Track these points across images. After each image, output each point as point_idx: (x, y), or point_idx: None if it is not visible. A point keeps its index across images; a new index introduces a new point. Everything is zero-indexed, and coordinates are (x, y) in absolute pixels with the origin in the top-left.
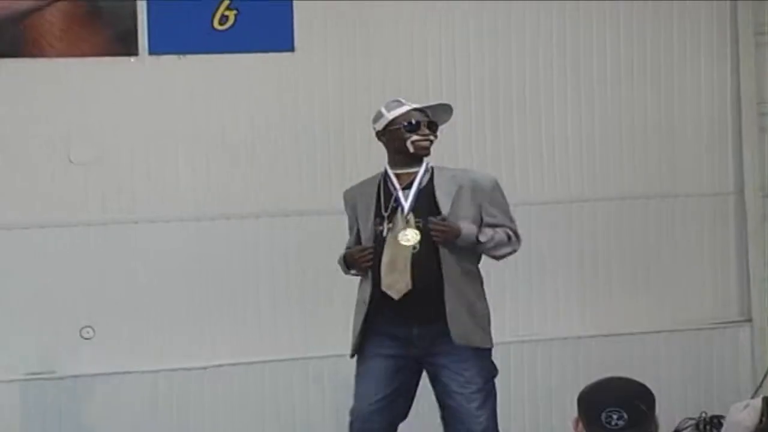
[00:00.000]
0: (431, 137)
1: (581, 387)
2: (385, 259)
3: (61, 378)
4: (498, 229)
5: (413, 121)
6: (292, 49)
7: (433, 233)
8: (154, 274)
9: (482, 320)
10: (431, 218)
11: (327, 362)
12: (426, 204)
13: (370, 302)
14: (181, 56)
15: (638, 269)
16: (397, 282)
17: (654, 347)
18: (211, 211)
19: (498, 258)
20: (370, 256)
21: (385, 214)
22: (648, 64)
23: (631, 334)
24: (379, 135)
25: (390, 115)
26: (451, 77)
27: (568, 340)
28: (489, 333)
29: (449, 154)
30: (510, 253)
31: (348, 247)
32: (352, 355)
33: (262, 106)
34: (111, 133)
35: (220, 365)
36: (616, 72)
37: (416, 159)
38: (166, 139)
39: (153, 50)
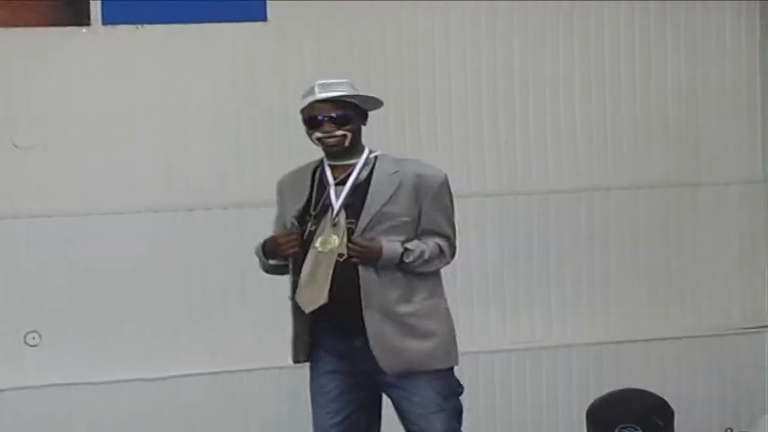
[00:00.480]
0: (337, 133)
1: (591, 399)
2: (305, 267)
3: (1, 390)
4: (429, 242)
5: (314, 117)
6: (264, 18)
7: (350, 252)
8: (108, 272)
9: (427, 340)
10: (354, 237)
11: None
12: (360, 203)
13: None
14: (139, 26)
15: (657, 266)
16: (311, 294)
17: (673, 355)
18: (172, 202)
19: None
20: (296, 242)
21: (313, 213)
22: (671, 47)
23: (648, 340)
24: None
25: (301, 105)
26: (445, 52)
27: (575, 348)
28: (443, 352)
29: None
30: (435, 269)
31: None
32: (296, 362)
33: (231, 83)
34: (59, 113)
35: (184, 375)
36: (639, 56)
37: (354, 149)
38: (122, 120)
39: (107, 20)
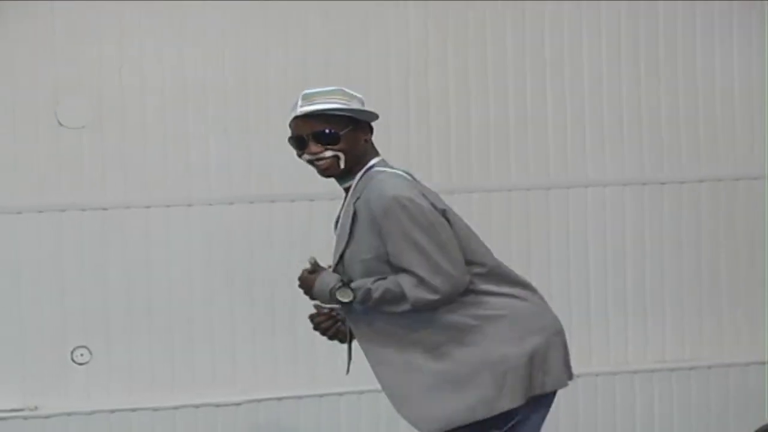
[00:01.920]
0: (325, 154)
1: None
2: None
3: (46, 417)
4: (387, 280)
5: (298, 136)
6: None
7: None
8: (172, 276)
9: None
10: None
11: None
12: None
13: None
14: None
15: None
16: None
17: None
18: (250, 193)
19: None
20: (328, 327)
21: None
22: (681, 44)
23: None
24: None
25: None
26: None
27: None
28: (427, 415)
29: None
30: (399, 312)
31: None
32: None
33: (318, 64)
34: (114, 89)
35: (258, 400)
36: (640, 52)
37: (355, 169)
38: (190, 100)
39: None
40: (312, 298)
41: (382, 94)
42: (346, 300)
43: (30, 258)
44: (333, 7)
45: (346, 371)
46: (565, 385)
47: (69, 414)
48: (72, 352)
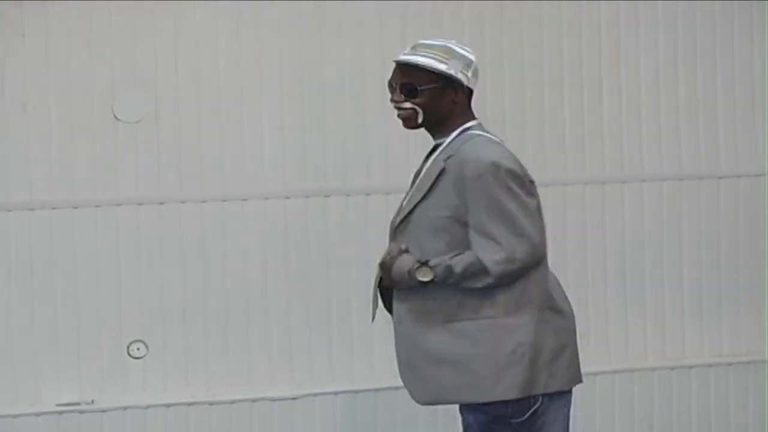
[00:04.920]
0: (404, 105)
1: None
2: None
3: (103, 410)
4: (465, 255)
5: (389, 81)
6: None
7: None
8: (229, 270)
9: (459, 368)
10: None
11: None
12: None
13: None
14: None
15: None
16: (371, 301)
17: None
18: (306, 187)
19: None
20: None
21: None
22: (681, 43)
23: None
24: None
25: None
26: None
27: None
28: (482, 382)
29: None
30: (480, 288)
31: None
32: None
33: (376, 58)
34: (171, 82)
35: (315, 394)
36: (646, 50)
37: (446, 125)
38: (247, 92)
39: None
40: (392, 282)
41: None
42: (426, 279)
43: (87, 253)
44: (387, 6)
45: (372, 319)
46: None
47: (125, 408)
48: (128, 347)
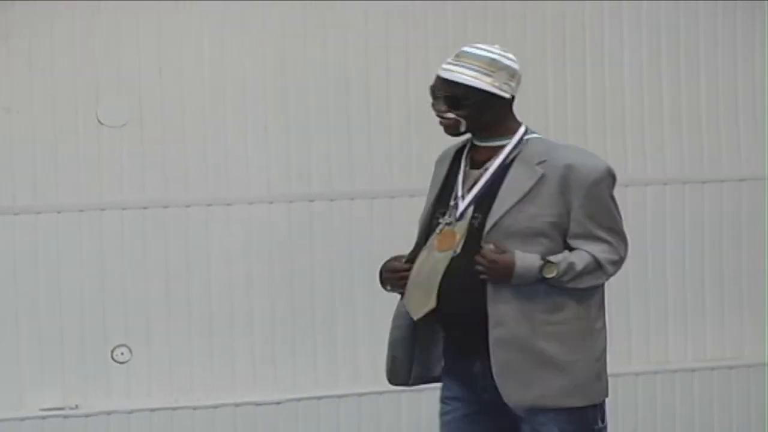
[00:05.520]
0: (448, 115)
1: None
2: (417, 265)
3: (87, 415)
4: (582, 251)
5: (432, 89)
6: None
7: (477, 267)
8: (213, 274)
9: (564, 371)
10: (483, 249)
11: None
12: (489, 198)
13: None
14: None
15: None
16: (419, 297)
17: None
18: (290, 192)
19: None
20: (402, 281)
21: (452, 203)
22: (683, 45)
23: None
24: None
25: None
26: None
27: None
28: (583, 387)
29: None
30: (594, 286)
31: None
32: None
33: (361, 60)
34: (155, 86)
35: (298, 399)
36: (645, 52)
37: (497, 129)
38: (231, 97)
39: None
40: (505, 279)
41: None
42: (550, 276)
43: (70, 257)
44: (371, 7)
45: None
46: None
47: (109, 413)
48: (112, 351)
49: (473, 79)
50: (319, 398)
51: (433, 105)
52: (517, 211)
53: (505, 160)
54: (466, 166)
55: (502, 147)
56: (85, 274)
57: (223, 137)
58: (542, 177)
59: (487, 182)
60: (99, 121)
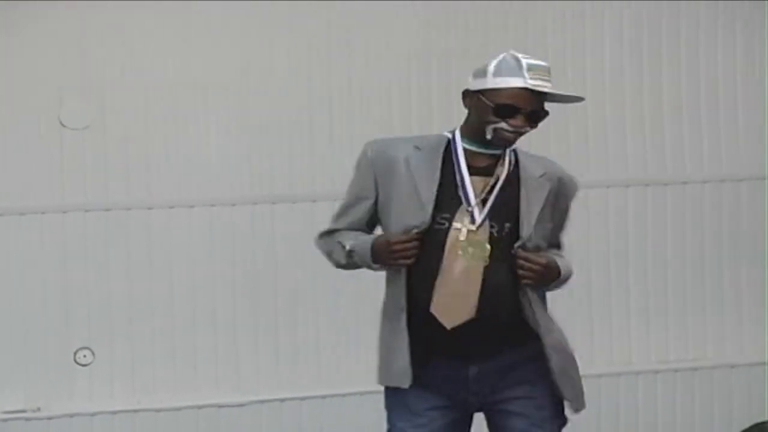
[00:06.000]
0: (525, 129)
1: None
2: (448, 273)
3: (49, 418)
4: (563, 258)
5: (514, 106)
6: None
7: (522, 272)
8: (176, 277)
9: (577, 374)
10: (519, 249)
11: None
12: (504, 207)
13: (410, 323)
14: None
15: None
16: (456, 307)
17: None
18: (252, 194)
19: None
20: (413, 252)
21: (468, 209)
22: (684, 44)
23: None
24: (466, 94)
25: (492, 82)
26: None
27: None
28: (582, 390)
29: None
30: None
31: (337, 229)
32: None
33: (322, 62)
34: (118, 89)
35: (261, 401)
36: (644, 50)
37: (483, 139)
38: (193, 99)
39: None
40: (550, 284)
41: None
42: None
43: (33, 260)
44: (335, 10)
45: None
46: None
47: (72, 415)
48: (75, 354)
49: (565, 92)
50: (282, 400)
51: (505, 120)
52: (538, 222)
53: (509, 169)
54: (465, 176)
55: (499, 156)
56: (48, 276)
57: (186, 140)
58: (549, 190)
59: (501, 192)
60: (61, 124)
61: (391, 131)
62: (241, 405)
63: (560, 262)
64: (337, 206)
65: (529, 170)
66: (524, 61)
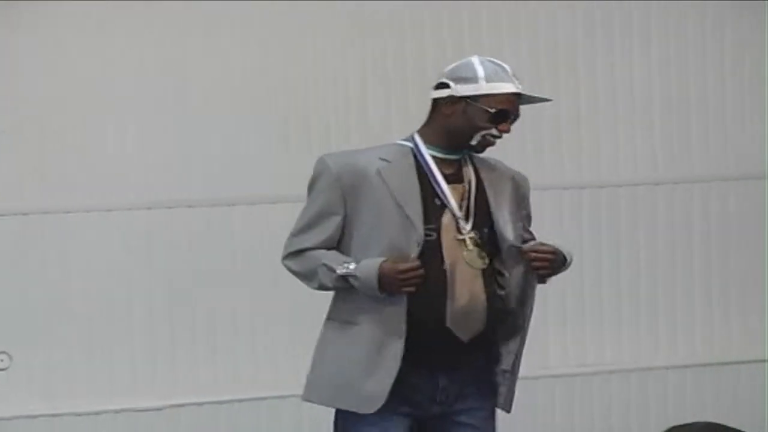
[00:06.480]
0: (507, 134)
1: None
2: (457, 285)
3: None
4: None
5: (505, 111)
6: None
7: (536, 264)
8: (92, 281)
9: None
10: (519, 247)
11: None
12: (479, 212)
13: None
14: None
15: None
16: (472, 318)
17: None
18: (169, 198)
19: None
20: (420, 279)
21: (459, 217)
22: (691, 44)
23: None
24: (449, 99)
25: (487, 87)
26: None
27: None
28: None
29: None
30: None
31: (307, 248)
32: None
33: (238, 67)
34: (34, 93)
35: (179, 405)
36: (641, 46)
37: (463, 145)
38: (109, 104)
39: None
40: (564, 266)
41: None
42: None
43: None
44: (253, 11)
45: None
46: None
47: None
48: None
49: (540, 95)
50: (200, 404)
51: (499, 127)
52: (512, 223)
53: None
54: (440, 181)
55: (460, 161)
56: None
57: (103, 144)
58: (510, 190)
59: (475, 197)
60: None
61: (310, 134)
62: (159, 409)
63: (560, 246)
64: (295, 223)
65: (487, 173)
66: (506, 66)
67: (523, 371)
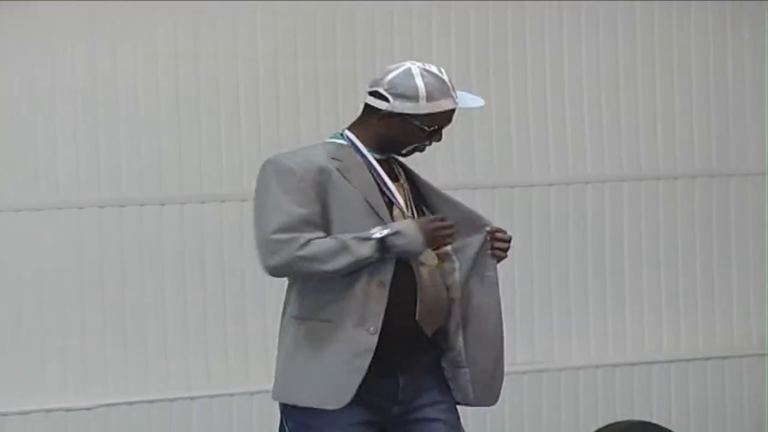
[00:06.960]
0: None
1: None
2: (423, 282)
3: None
4: None
5: (442, 126)
6: None
7: (496, 245)
8: (24, 280)
9: None
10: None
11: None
12: (418, 208)
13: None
14: None
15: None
16: (436, 314)
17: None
18: (97, 197)
19: None
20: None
21: (410, 216)
22: (694, 41)
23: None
24: (384, 114)
25: (427, 107)
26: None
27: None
28: None
29: None
30: None
31: (311, 239)
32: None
33: (169, 65)
34: None
35: (109, 405)
36: (648, 45)
37: (393, 151)
38: (40, 101)
39: None
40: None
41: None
42: None
43: None
44: (181, 10)
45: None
46: None
47: None
48: None
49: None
50: (131, 404)
51: (435, 138)
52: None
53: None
54: (387, 181)
55: (390, 160)
56: None
57: (33, 142)
58: (424, 180)
59: (411, 193)
60: None
61: (241, 133)
62: (89, 408)
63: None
64: (275, 232)
65: (408, 168)
66: (445, 78)
67: (521, 367)
